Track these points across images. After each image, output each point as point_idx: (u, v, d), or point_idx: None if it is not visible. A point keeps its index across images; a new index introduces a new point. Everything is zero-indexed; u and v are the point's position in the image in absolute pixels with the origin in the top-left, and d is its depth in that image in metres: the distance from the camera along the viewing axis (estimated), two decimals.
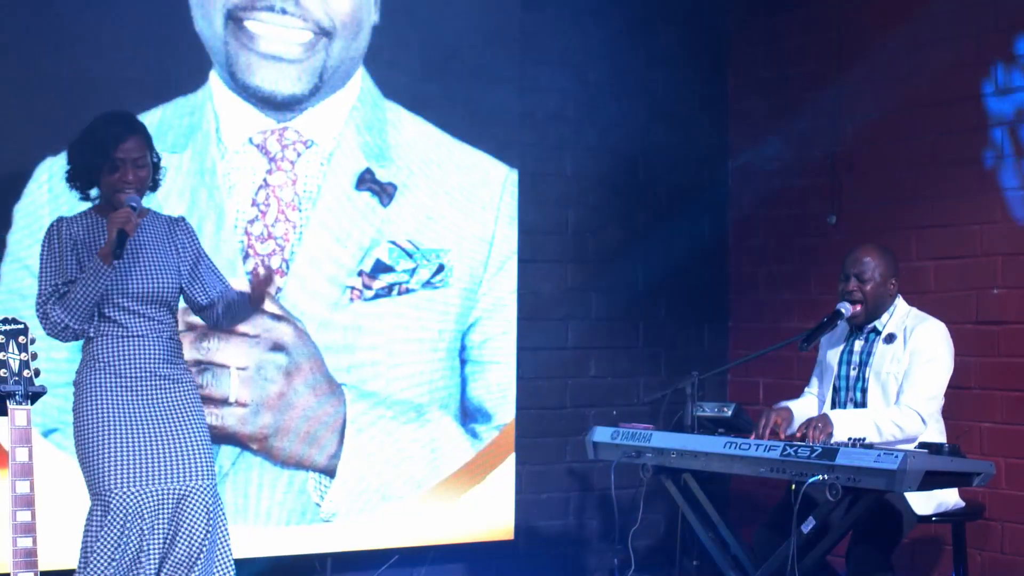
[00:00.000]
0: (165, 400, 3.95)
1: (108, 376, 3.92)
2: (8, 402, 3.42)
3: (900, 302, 4.67)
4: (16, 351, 3.49)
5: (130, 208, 3.87)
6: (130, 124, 4.02)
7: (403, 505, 5.38)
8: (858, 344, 4.67)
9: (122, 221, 3.84)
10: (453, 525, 5.48)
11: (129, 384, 3.92)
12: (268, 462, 5.14)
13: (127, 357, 3.93)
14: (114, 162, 3.93)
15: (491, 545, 5.59)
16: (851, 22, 5.79)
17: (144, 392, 3.93)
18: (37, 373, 3.49)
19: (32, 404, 3.47)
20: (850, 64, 5.78)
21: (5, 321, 3.49)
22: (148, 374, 3.94)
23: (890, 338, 4.59)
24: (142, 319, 3.96)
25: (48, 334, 3.92)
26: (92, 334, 3.96)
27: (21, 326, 3.50)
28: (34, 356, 3.53)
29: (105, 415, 3.89)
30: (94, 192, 4.02)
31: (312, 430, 5.20)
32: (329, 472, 5.23)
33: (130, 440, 3.88)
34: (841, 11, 5.83)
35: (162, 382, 3.96)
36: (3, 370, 3.44)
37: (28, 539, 3.35)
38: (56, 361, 4.59)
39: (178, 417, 3.96)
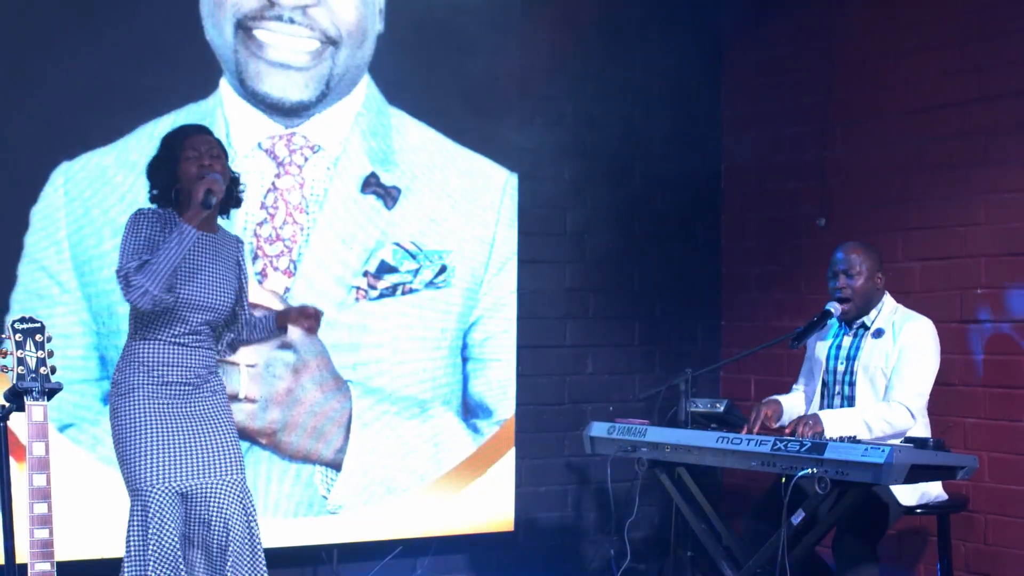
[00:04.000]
0: (200, 404, 4.00)
1: (149, 379, 3.95)
2: (26, 398, 3.39)
3: (888, 299, 4.71)
4: (33, 349, 3.45)
5: (216, 177, 3.89)
6: (199, 126, 4.11)
7: (407, 498, 5.41)
8: (847, 339, 4.71)
9: (210, 183, 3.87)
10: (455, 517, 5.51)
11: (168, 389, 3.95)
12: (276, 456, 5.17)
13: (170, 363, 3.97)
14: (186, 152, 3.96)
15: (491, 536, 5.62)
16: (841, 30, 5.82)
17: (181, 396, 3.97)
18: (53, 370, 3.45)
19: (49, 400, 3.44)
20: (839, 71, 5.81)
21: (23, 320, 3.46)
22: (187, 380, 3.98)
23: (878, 333, 4.63)
24: (191, 331, 4.00)
25: (127, 300, 3.88)
26: (136, 337, 3.98)
27: (38, 324, 3.47)
28: (50, 354, 3.48)
29: (143, 415, 3.92)
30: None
31: (319, 425, 5.25)
32: (335, 466, 5.27)
33: (166, 439, 3.91)
34: (831, 20, 5.86)
35: (197, 390, 4.00)
36: (21, 367, 3.41)
37: (45, 531, 3.33)
38: (72, 359, 4.70)
39: (211, 419, 4.01)
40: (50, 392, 3.47)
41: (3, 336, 3.46)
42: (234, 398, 5.02)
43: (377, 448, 5.36)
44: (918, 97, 5.47)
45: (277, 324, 4.23)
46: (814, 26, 5.95)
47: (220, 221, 4.16)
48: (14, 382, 3.42)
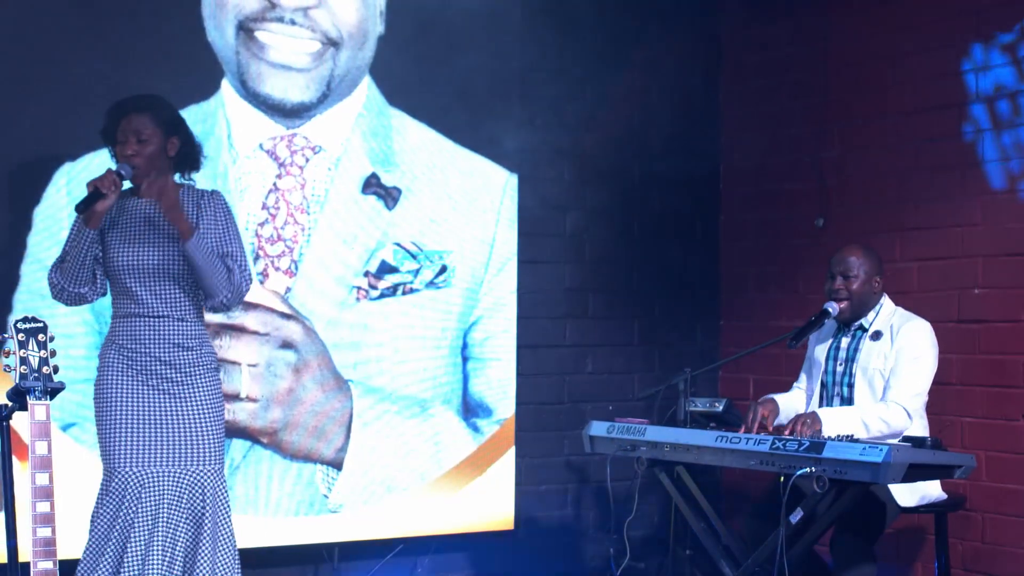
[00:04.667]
0: (171, 385, 3.97)
1: (119, 358, 3.97)
2: (28, 397, 3.44)
3: (886, 301, 4.73)
4: (36, 348, 3.50)
5: (115, 173, 3.90)
6: (139, 101, 4.06)
7: (407, 496, 5.42)
8: (845, 341, 4.72)
9: (99, 180, 3.87)
10: (455, 516, 5.52)
11: (137, 368, 3.96)
12: (278, 455, 5.18)
13: (137, 339, 3.97)
14: (118, 135, 4.01)
15: (492, 535, 5.62)
16: (838, 33, 5.84)
17: (151, 375, 3.96)
18: (56, 369, 3.50)
19: (51, 399, 3.49)
20: (837, 73, 5.82)
21: (25, 320, 3.51)
22: (156, 358, 3.97)
23: (876, 335, 4.65)
24: (156, 298, 3.98)
25: (52, 297, 4.00)
26: (112, 315, 4.01)
27: (40, 324, 3.52)
28: (53, 353, 3.53)
29: (114, 393, 3.96)
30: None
31: (320, 424, 5.26)
32: (336, 465, 5.28)
33: (135, 421, 3.94)
34: (828, 23, 5.87)
35: (168, 368, 3.98)
36: (23, 367, 3.46)
37: (47, 529, 3.38)
38: (74, 358, 4.68)
39: (182, 402, 3.99)
40: (52, 391, 3.51)
41: (6, 335, 3.50)
42: (235, 397, 5.05)
43: (378, 447, 5.38)
44: (914, 99, 5.49)
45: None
46: (813, 28, 5.97)
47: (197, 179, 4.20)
48: (17, 381, 3.45)
